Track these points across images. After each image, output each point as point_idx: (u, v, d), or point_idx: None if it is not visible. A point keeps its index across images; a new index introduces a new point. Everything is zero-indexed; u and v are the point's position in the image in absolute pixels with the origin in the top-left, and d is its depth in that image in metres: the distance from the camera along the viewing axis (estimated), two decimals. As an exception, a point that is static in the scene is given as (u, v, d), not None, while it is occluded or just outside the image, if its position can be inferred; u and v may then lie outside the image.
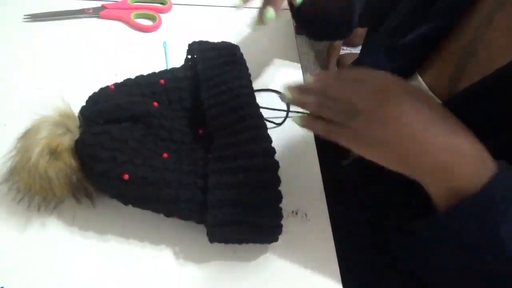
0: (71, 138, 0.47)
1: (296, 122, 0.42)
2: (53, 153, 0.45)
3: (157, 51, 0.70)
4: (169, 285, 0.46)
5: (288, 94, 0.42)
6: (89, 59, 0.67)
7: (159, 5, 0.78)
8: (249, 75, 0.56)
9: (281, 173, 0.56)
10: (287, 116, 0.62)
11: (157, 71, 0.56)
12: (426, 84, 0.54)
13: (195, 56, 0.57)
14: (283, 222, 0.44)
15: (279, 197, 0.45)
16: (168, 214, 0.47)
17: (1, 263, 0.45)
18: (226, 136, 0.49)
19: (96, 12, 0.74)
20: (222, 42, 0.60)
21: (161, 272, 0.47)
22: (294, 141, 0.61)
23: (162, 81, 0.54)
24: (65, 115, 0.48)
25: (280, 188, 0.45)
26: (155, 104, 0.51)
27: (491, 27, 0.48)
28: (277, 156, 0.59)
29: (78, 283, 0.45)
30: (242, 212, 0.44)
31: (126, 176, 0.44)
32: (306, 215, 0.53)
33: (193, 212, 0.46)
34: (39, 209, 0.47)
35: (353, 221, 0.60)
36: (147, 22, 0.75)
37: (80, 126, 0.49)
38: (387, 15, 0.63)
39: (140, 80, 0.54)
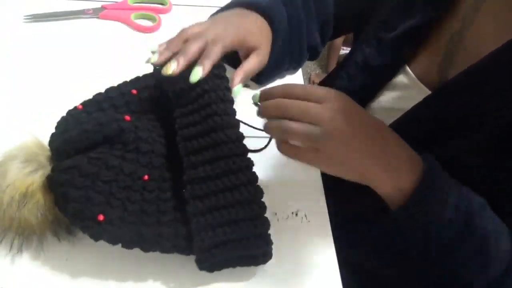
0: (43, 173, 0.45)
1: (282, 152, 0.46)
2: (24, 196, 0.43)
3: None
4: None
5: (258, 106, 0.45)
6: (89, 59, 0.67)
7: (159, 5, 0.78)
8: (228, 87, 0.50)
9: (281, 174, 0.57)
10: (270, 141, 0.60)
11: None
12: (415, 74, 0.55)
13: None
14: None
15: (267, 223, 0.44)
16: (150, 250, 0.44)
17: None
18: (201, 160, 0.46)
19: (96, 13, 0.74)
20: None
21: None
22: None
23: (134, 91, 0.51)
24: (34, 148, 0.46)
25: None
26: (127, 118, 0.48)
27: (478, 16, 0.49)
28: (277, 157, 0.59)
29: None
30: (228, 233, 0.43)
31: (101, 217, 0.42)
32: (306, 216, 0.53)
33: (177, 246, 0.44)
34: (19, 250, 0.45)
35: (353, 221, 0.60)
36: (146, 23, 0.75)
37: (51, 159, 0.46)
38: (372, 15, 0.64)
39: (111, 93, 0.51)
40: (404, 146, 0.46)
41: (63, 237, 0.46)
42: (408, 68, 0.56)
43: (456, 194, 0.43)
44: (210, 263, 0.44)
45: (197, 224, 0.43)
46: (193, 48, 0.48)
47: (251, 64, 0.54)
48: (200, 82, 0.48)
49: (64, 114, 0.50)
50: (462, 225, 0.42)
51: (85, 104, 0.50)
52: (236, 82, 0.51)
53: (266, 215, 0.44)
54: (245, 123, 0.57)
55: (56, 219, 0.45)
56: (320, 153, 0.43)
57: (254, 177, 0.45)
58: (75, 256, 0.46)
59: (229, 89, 0.50)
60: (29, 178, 0.44)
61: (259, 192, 0.45)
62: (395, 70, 0.57)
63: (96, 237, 0.43)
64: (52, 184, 0.44)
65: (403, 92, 0.57)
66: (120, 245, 0.43)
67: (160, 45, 0.51)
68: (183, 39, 0.50)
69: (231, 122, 0.47)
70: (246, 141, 0.57)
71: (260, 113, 0.46)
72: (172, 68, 0.46)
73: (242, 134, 0.47)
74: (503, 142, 0.44)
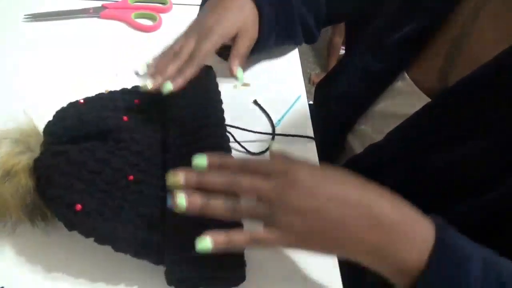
0: (30, 156, 0.45)
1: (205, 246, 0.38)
2: (8, 173, 0.43)
3: (157, 51, 0.70)
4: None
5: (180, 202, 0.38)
6: (89, 59, 0.67)
7: (159, 5, 0.78)
8: (219, 101, 0.55)
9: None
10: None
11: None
12: (414, 80, 0.54)
13: None
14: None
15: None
16: (121, 251, 0.43)
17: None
18: None
19: (96, 12, 0.74)
20: None
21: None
22: (294, 141, 0.61)
23: (136, 101, 0.52)
24: (28, 131, 0.46)
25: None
26: (125, 118, 0.49)
27: (477, 21, 0.48)
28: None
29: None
30: (202, 269, 0.42)
31: (78, 207, 0.41)
32: (306, 215, 0.53)
33: (149, 254, 0.43)
34: None
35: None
36: (147, 22, 0.75)
37: (42, 144, 0.46)
38: (371, 13, 0.63)
39: (114, 95, 0.52)
40: (403, 210, 0.37)
41: (37, 223, 0.45)
42: (406, 74, 0.55)
43: (479, 265, 0.35)
44: (179, 278, 0.43)
45: (172, 237, 0.43)
46: (172, 69, 0.52)
47: (241, 46, 0.55)
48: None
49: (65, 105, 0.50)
50: None
51: (87, 100, 0.51)
52: (235, 67, 0.52)
53: None
54: (247, 130, 0.58)
55: (33, 203, 0.44)
56: (281, 230, 0.37)
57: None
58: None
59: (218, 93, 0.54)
60: (16, 157, 0.44)
61: None
62: (394, 76, 0.57)
63: (70, 227, 0.42)
64: (38, 166, 0.44)
65: (402, 98, 0.56)
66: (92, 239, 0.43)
67: (149, 65, 0.56)
68: (170, 56, 0.54)
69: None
70: (247, 145, 0.58)
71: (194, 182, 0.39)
72: (167, 88, 0.50)
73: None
74: (507, 149, 0.42)
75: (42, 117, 0.49)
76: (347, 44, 0.76)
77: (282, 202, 0.37)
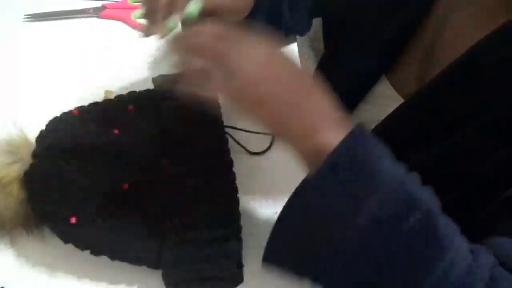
0: (21, 167, 0.45)
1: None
2: None
3: (157, 51, 0.70)
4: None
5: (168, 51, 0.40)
6: (89, 59, 0.67)
7: (159, 5, 0.78)
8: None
9: (283, 175, 0.56)
10: (272, 142, 0.59)
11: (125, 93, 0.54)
12: (393, 85, 0.55)
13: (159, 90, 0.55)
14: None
15: (239, 245, 0.44)
16: (118, 259, 0.44)
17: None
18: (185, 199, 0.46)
19: (96, 12, 0.74)
20: None
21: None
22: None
23: (130, 107, 0.52)
24: (18, 142, 0.46)
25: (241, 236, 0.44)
26: (116, 131, 0.49)
27: (448, 25, 0.48)
28: (277, 155, 0.59)
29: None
30: (197, 251, 0.43)
31: (73, 220, 0.42)
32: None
33: (146, 260, 0.43)
34: None
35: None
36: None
37: (33, 155, 0.46)
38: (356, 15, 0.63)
39: (107, 106, 0.52)
40: (330, 105, 0.40)
41: (33, 232, 0.45)
42: (385, 79, 0.56)
43: (390, 162, 0.37)
44: (177, 280, 0.43)
45: (169, 239, 0.43)
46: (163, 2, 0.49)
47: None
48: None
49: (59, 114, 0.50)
50: (399, 199, 0.35)
51: (81, 111, 0.51)
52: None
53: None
54: (247, 131, 0.58)
55: (26, 214, 0.44)
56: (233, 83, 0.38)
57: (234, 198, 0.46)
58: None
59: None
60: (6, 169, 0.44)
61: (236, 214, 0.45)
62: (374, 80, 0.57)
63: (65, 240, 0.43)
64: (29, 181, 0.44)
65: (381, 102, 0.57)
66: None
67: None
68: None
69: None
70: (248, 144, 0.58)
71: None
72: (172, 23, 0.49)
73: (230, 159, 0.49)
74: (485, 142, 0.43)
75: (42, 117, 0.49)
76: (328, 47, 0.75)
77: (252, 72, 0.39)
